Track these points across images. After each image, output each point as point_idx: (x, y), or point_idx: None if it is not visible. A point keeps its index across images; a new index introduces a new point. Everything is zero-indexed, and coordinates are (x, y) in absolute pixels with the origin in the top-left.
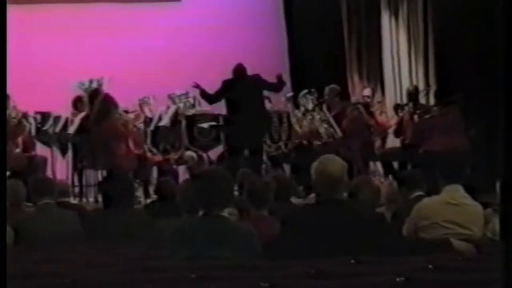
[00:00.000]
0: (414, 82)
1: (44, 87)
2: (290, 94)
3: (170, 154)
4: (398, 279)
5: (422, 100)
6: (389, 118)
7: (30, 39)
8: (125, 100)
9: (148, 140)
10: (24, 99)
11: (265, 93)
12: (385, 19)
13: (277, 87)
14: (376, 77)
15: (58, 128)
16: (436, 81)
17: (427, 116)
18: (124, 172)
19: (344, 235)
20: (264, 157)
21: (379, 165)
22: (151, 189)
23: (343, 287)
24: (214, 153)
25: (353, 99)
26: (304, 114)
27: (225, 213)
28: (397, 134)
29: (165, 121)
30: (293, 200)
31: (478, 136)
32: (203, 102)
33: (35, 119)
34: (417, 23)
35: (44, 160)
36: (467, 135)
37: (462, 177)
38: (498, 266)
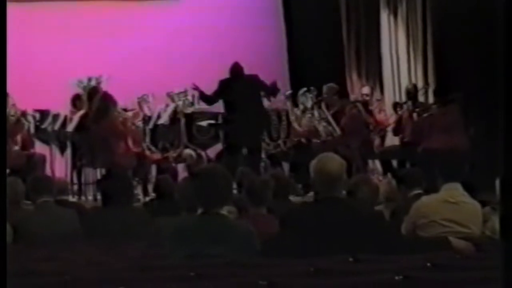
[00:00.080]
0: (413, 80)
1: (43, 85)
2: (289, 92)
3: (169, 152)
4: (396, 277)
5: (421, 98)
6: (388, 116)
7: (30, 38)
8: (124, 98)
9: (147, 138)
10: (23, 97)
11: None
12: (384, 17)
13: (272, 91)
14: (375, 76)
15: (57, 126)
16: (435, 80)
17: (426, 115)
18: (123, 170)
19: (342, 233)
20: (263, 155)
21: (378, 163)
22: (150, 187)
23: (342, 286)
24: (213, 151)
25: (352, 97)
26: (303, 112)
27: (224, 211)
28: (396, 132)
29: (164, 119)
30: (292, 198)
31: (477, 135)
32: None
33: (33, 117)
34: (416, 21)
35: (43, 158)
36: (466, 134)
37: (461, 175)
38: (497, 264)
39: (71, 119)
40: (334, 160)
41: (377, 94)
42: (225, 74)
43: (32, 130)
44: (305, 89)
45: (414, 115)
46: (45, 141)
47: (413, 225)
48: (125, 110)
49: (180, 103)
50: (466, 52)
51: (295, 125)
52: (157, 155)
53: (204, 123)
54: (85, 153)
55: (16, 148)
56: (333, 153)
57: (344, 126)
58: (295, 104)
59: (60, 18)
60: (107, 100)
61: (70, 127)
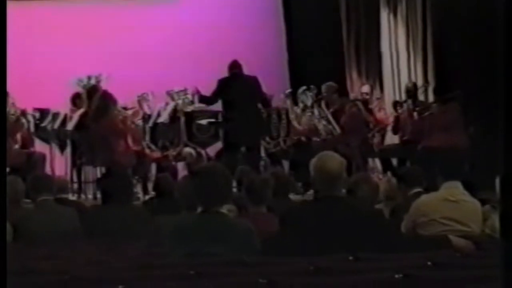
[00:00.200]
0: (413, 78)
1: (43, 84)
2: (289, 90)
3: (169, 151)
4: (396, 276)
5: (421, 97)
6: (388, 114)
7: (30, 37)
8: (123, 97)
9: (147, 137)
10: (23, 96)
11: None
12: (384, 16)
13: (263, 100)
14: (375, 74)
15: (56, 125)
16: (434, 78)
17: (426, 113)
18: (123, 168)
19: (342, 231)
20: (263, 154)
21: (378, 162)
22: (150, 186)
23: (342, 284)
24: (212, 149)
25: (352, 96)
26: (303, 111)
27: (224, 209)
28: (395, 131)
29: (164, 118)
30: (292, 196)
31: (477, 133)
32: None
33: (33, 116)
34: (415, 19)
35: (42, 157)
36: (466, 132)
37: (460, 174)
38: (497, 262)
39: (71, 118)
40: (334, 158)
41: (377, 93)
42: (225, 74)
43: (32, 128)
44: (305, 87)
45: (414, 114)
46: (45, 140)
47: (413, 223)
48: (125, 108)
49: (180, 101)
50: (466, 51)
51: (295, 123)
52: (157, 154)
53: (204, 121)
54: (85, 152)
55: (16, 146)
56: (333, 152)
57: (344, 125)
58: (295, 102)
59: (60, 17)
60: (107, 99)
61: (70, 126)
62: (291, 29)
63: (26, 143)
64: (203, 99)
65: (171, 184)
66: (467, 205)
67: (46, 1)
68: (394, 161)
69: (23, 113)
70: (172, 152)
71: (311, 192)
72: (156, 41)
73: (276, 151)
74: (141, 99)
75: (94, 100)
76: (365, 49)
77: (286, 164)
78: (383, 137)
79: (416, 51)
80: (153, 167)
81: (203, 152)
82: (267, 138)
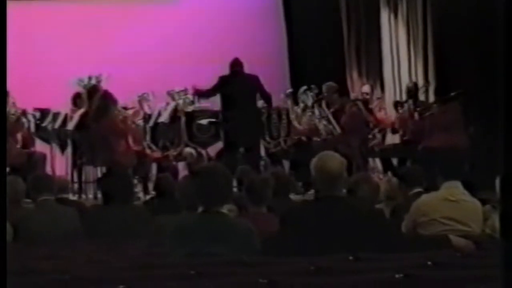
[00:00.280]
0: (414, 78)
1: (43, 84)
2: (289, 90)
3: (169, 151)
4: (397, 276)
5: (421, 97)
6: (389, 114)
7: (30, 37)
8: (124, 97)
9: (148, 137)
10: (23, 96)
11: None
12: (385, 16)
13: (266, 98)
14: (375, 74)
15: (57, 125)
16: (435, 78)
17: (426, 113)
18: (123, 168)
19: (343, 231)
20: (263, 154)
21: (378, 162)
22: (151, 186)
23: (342, 284)
24: (213, 149)
25: (353, 95)
26: (303, 111)
27: (224, 209)
28: (396, 131)
29: (164, 118)
30: (292, 196)
31: (477, 133)
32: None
33: (34, 115)
34: (416, 20)
35: (43, 157)
36: (466, 132)
37: (461, 173)
38: (497, 262)
39: (71, 118)
40: (334, 158)
41: (377, 93)
42: (225, 73)
43: (32, 128)
44: (305, 87)
45: (415, 114)
46: (46, 140)
47: (413, 223)
48: (125, 108)
49: (181, 101)
50: (466, 51)
51: (296, 123)
52: (158, 154)
53: (204, 121)
54: (85, 152)
55: (17, 146)
56: (334, 152)
57: (344, 125)
58: (296, 102)
59: (60, 17)
60: (107, 99)
61: (70, 126)
62: (291, 29)
63: (27, 143)
64: (200, 93)
65: (172, 184)
66: (467, 205)
67: (46, 1)
68: (395, 161)
69: (24, 113)
70: (172, 152)
71: (311, 192)
72: (156, 41)
73: (276, 151)
74: (142, 99)
75: (95, 100)
76: (366, 49)
77: (286, 164)
78: (383, 137)
79: (416, 51)
80: (154, 167)
81: (203, 152)
82: (268, 138)
